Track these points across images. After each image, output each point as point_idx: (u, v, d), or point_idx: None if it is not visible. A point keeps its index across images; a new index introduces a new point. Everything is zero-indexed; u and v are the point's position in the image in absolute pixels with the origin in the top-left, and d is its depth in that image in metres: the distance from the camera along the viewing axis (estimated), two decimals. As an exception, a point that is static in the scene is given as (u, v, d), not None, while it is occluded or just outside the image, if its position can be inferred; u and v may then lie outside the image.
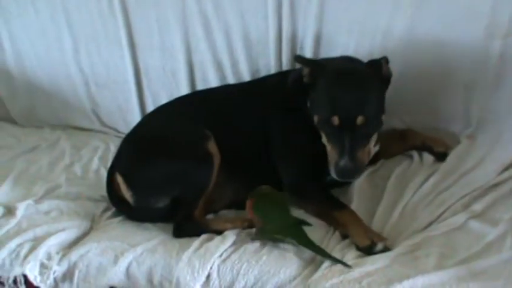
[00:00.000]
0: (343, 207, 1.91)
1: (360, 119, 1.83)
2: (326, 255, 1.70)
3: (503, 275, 1.55)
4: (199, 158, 2.01)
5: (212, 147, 2.04)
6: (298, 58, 2.05)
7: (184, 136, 2.07)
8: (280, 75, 2.28)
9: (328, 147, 1.92)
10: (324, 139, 1.93)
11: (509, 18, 2.05)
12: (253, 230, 1.89)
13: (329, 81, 1.92)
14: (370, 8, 2.25)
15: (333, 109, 1.87)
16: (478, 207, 1.86)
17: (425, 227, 1.82)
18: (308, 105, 2.00)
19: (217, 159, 2.03)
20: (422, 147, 2.21)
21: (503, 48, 2.08)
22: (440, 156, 2.14)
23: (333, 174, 1.88)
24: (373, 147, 1.97)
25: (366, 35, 2.26)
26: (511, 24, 2.06)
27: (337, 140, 1.87)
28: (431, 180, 2.01)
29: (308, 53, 2.36)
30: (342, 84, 1.90)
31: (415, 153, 2.21)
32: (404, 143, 2.26)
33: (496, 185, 1.95)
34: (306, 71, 1.99)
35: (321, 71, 1.95)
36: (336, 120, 1.85)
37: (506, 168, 2.00)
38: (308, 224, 1.84)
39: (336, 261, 1.67)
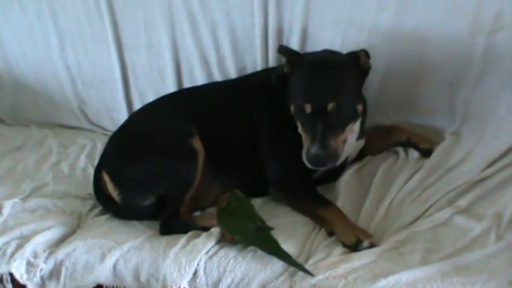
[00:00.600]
0: (329, 204, 1.92)
1: (331, 106, 1.83)
2: (292, 262, 1.67)
3: (487, 269, 1.56)
4: (184, 155, 2.00)
5: (197, 143, 2.04)
6: (280, 47, 2.06)
7: (169, 134, 2.06)
8: (266, 72, 2.29)
9: (303, 136, 1.92)
10: (300, 128, 1.93)
11: (493, 16, 2.06)
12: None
13: (305, 70, 1.93)
14: (356, 4, 2.25)
15: (306, 97, 1.87)
16: (463, 202, 1.87)
17: (411, 223, 1.83)
18: (287, 96, 2.00)
19: (201, 156, 2.03)
20: (408, 144, 2.22)
21: (487, 45, 2.09)
22: (426, 153, 2.16)
23: (305, 162, 1.88)
24: (350, 137, 1.97)
25: (351, 31, 2.26)
26: (495, 21, 2.06)
27: (310, 127, 1.87)
28: (417, 177, 2.02)
29: (294, 49, 2.35)
30: (316, 73, 1.91)
31: (400, 150, 2.22)
32: (389, 139, 2.27)
33: (480, 181, 1.96)
34: (284, 60, 2.00)
35: (298, 61, 1.97)
36: (308, 108, 1.85)
37: (490, 164, 2.01)
38: (270, 229, 1.81)
39: (301, 269, 1.64)
